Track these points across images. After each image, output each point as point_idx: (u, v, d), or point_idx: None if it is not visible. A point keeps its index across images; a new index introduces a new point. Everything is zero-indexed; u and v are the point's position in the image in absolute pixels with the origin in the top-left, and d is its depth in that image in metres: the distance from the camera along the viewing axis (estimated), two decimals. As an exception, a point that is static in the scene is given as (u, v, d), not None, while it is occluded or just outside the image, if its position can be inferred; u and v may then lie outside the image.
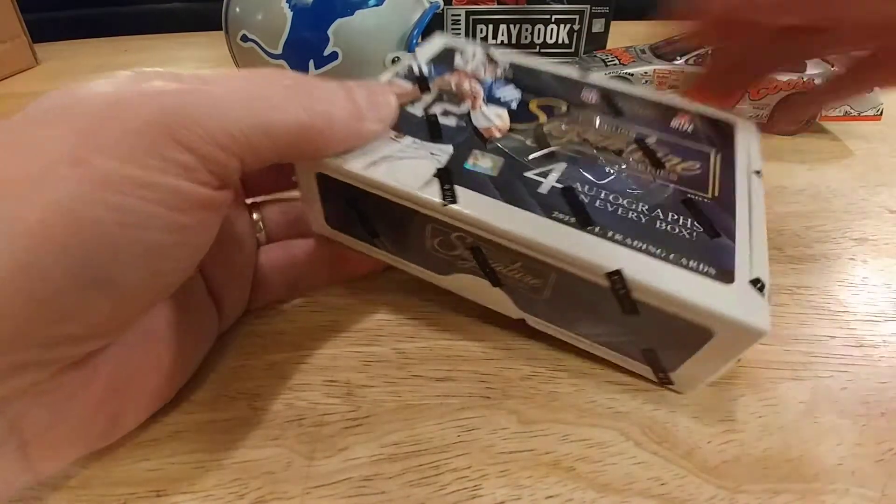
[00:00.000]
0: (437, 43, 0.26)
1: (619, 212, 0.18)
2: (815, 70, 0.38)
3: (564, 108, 0.23)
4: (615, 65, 0.41)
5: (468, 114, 0.22)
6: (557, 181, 0.19)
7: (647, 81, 0.40)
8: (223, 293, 0.21)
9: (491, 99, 0.23)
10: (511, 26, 0.49)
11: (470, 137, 0.21)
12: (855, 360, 0.22)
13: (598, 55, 0.44)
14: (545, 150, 0.21)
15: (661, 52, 0.41)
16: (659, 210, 0.19)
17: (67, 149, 0.13)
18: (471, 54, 0.26)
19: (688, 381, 0.19)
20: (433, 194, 0.18)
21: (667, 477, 0.18)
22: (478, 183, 0.19)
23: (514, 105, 0.23)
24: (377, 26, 0.39)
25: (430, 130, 0.21)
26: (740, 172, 0.21)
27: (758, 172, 0.21)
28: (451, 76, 0.24)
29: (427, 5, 0.42)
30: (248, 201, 0.23)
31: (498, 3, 0.48)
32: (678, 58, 0.40)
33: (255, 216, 0.23)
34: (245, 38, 0.39)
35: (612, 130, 0.22)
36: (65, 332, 0.13)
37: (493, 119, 0.22)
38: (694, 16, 0.22)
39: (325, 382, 0.20)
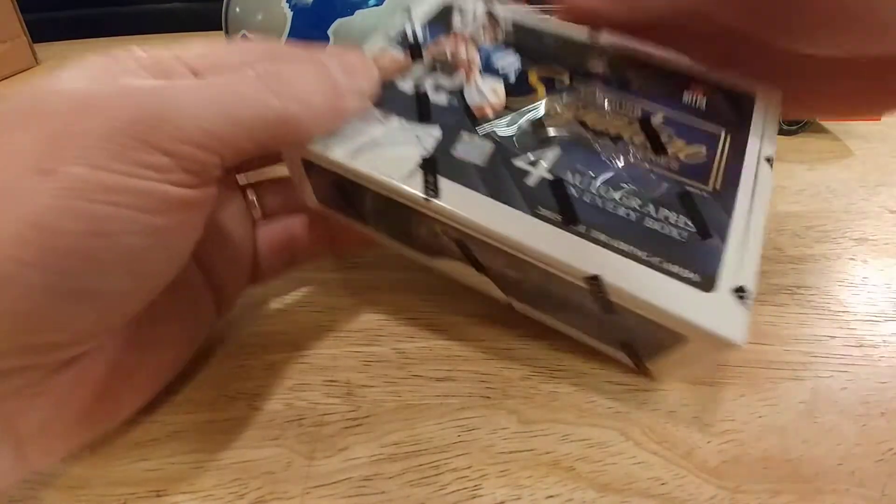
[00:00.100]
0: None
1: (609, 207, 0.18)
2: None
3: (567, 80, 0.21)
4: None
5: (461, 88, 0.21)
6: (548, 171, 0.18)
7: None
8: (220, 278, 0.20)
9: (488, 68, 0.21)
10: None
11: (460, 117, 0.20)
12: (855, 360, 0.22)
13: None
14: (538, 136, 0.20)
15: None
16: (652, 205, 0.18)
17: (34, 158, 0.12)
18: (471, 13, 0.23)
19: (666, 374, 0.19)
20: (416, 187, 0.17)
21: (667, 477, 0.18)
22: (463, 174, 0.18)
23: (512, 76, 0.21)
24: (377, 26, 0.39)
25: (419, 110, 0.20)
26: (749, 160, 0.19)
27: (769, 160, 0.20)
28: (446, 41, 0.22)
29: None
30: (241, 181, 0.22)
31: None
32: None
33: (249, 195, 0.22)
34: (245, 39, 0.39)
35: (616, 107, 0.21)
36: (49, 340, 0.13)
37: (488, 94, 0.20)
38: None
39: (325, 382, 0.20)
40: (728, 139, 0.20)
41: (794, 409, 0.20)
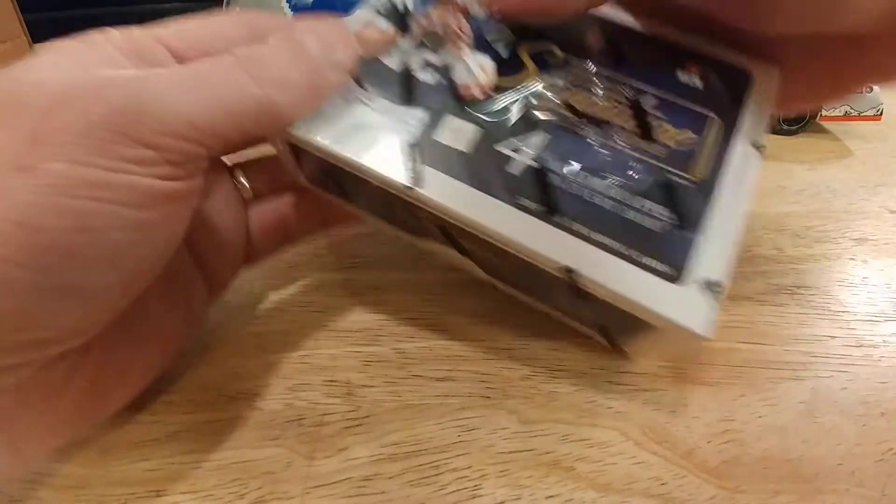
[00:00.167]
0: None
1: (590, 197, 0.18)
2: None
3: (560, 56, 0.21)
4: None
5: (449, 64, 0.20)
6: (532, 158, 0.18)
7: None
8: (212, 263, 0.20)
9: (479, 42, 0.20)
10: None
11: (447, 98, 0.19)
12: (855, 360, 0.22)
13: None
14: (524, 121, 0.19)
15: None
16: (633, 196, 0.18)
17: (13, 155, 0.12)
18: None
19: (641, 355, 0.20)
20: (399, 176, 0.17)
21: (667, 477, 0.18)
22: (447, 161, 0.18)
23: (503, 51, 0.20)
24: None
25: (405, 90, 0.19)
26: (739, 146, 0.19)
27: (758, 147, 0.19)
28: (436, 12, 0.21)
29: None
30: (229, 163, 0.22)
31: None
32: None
33: (239, 178, 0.22)
34: (245, 38, 0.39)
35: (608, 88, 0.20)
36: (36, 337, 0.13)
37: (476, 72, 0.20)
38: None
39: (325, 382, 0.20)
40: (719, 124, 0.20)
41: (794, 409, 0.20)
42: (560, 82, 0.20)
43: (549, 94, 0.20)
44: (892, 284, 0.26)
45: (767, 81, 0.21)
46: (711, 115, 0.20)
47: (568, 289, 0.17)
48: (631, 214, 0.17)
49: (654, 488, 0.17)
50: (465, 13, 0.21)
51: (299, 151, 0.20)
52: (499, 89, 0.20)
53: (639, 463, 0.18)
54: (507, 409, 0.19)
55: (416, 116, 0.19)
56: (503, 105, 0.19)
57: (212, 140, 0.14)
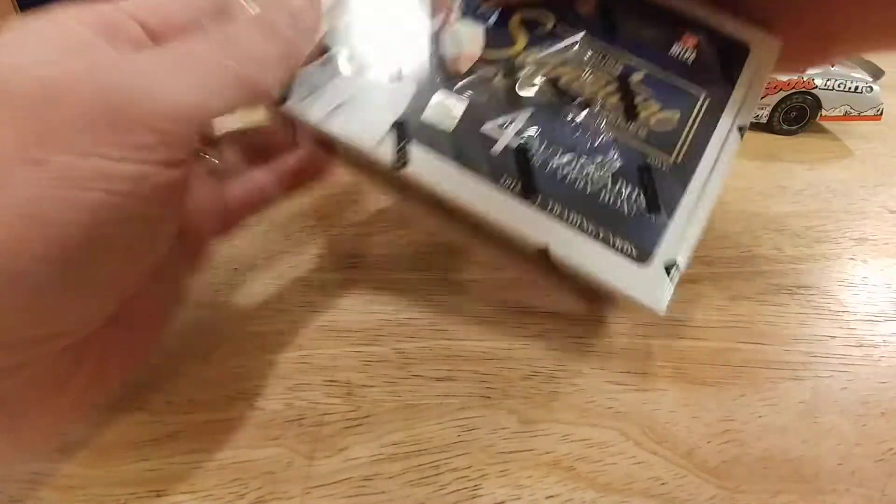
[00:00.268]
0: None
1: (568, 178, 0.18)
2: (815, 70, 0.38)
3: (551, 25, 0.20)
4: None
5: (437, 35, 0.20)
6: (514, 137, 0.18)
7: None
8: (193, 238, 0.20)
9: (469, 8, 0.20)
10: None
11: (434, 73, 0.19)
12: (855, 360, 0.22)
13: None
14: (509, 98, 0.19)
15: None
16: (609, 177, 0.18)
17: (20, 148, 0.12)
18: None
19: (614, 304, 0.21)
20: (386, 154, 0.18)
21: (667, 477, 0.18)
22: (433, 139, 0.18)
23: (492, 19, 0.20)
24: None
25: (395, 65, 0.19)
26: (720, 129, 0.19)
27: (741, 129, 0.19)
28: None
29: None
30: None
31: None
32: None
33: (211, 156, 0.21)
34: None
35: (597, 62, 0.20)
36: (53, 331, 0.13)
37: (464, 43, 0.19)
38: None
39: (325, 382, 0.20)
40: (706, 103, 0.19)
41: (794, 409, 0.20)
42: (548, 57, 0.20)
43: (535, 70, 0.20)
44: (892, 284, 0.26)
45: (766, 55, 0.20)
46: (701, 93, 0.20)
47: (539, 258, 0.18)
48: (606, 197, 0.18)
49: (654, 488, 0.17)
50: None
51: (290, 121, 0.20)
52: (486, 62, 0.19)
53: (639, 463, 0.18)
54: (507, 409, 0.19)
55: (403, 92, 0.19)
56: (490, 80, 0.19)
57: (200, 120, 0.15)
